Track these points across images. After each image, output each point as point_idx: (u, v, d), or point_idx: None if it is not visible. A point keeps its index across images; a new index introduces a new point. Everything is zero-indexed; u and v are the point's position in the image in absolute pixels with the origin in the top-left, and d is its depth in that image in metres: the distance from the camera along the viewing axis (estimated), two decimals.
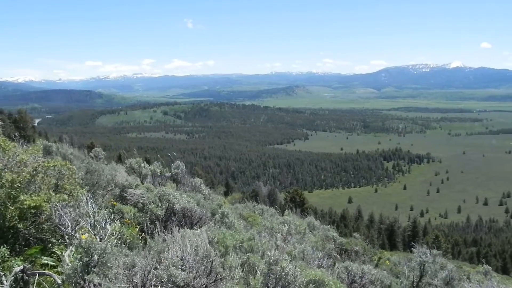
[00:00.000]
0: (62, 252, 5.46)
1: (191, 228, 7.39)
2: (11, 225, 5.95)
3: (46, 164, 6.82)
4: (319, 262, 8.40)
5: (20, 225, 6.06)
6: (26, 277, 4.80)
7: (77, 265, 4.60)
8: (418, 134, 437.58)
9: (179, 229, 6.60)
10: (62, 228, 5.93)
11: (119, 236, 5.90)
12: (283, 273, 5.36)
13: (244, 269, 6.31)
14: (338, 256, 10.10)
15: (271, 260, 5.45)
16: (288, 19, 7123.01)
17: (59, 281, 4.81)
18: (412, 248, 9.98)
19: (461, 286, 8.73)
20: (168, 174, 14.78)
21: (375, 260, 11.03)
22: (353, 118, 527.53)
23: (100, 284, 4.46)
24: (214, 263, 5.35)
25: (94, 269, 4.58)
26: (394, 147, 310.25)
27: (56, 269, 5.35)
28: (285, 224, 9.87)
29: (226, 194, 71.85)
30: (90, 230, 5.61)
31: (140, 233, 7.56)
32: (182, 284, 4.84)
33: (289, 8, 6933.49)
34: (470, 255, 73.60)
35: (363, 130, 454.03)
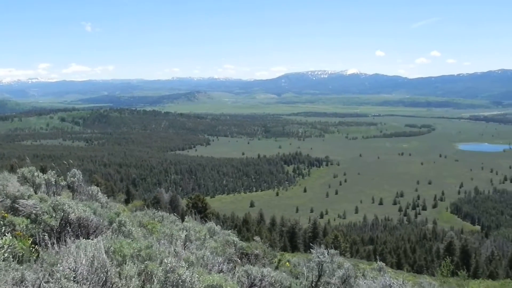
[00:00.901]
0: None
1: (87, 238, 7.10)
2: None
3: None
4: (220, 267, 8.36)
5: None
6: None
7: None
8: (317, 138, 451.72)
9: (74, 239, 6.31)
10: None
11: (9, 250, 5.52)
12: (180, 280, 5.27)
13: (142, 278, 6.14)
14: (239, 260, 10.11)
15: (168, 268, 5.34)
16: (188, 24, 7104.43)
17: None
18: (311, 249, 10.23)
19: (357, 283, 9.02)
20: (63, 183, 14.08)
21: (275, 262, 11.18)
22: (254, 123, 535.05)
23: None
24: (109, 273, 5.17)
25: None
26: (294, 151, 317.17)
27: None
28: (185, 230, 9.74)
29: (127, 201, 69.93)
30: None
31: (33, 245, 7.14)
32: None
33: (189, 13, 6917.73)
34: (368, 253, 76.24)
35: (264, 135, 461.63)
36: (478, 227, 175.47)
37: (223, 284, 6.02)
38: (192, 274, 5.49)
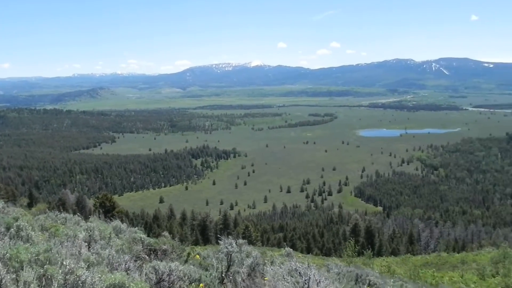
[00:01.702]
0: None
1: None
2: None
3: None
4: (126, 265, 8.20)
5: None
6: None
7: None
8: (224, 131, 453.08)
9: None
10: None
11: None
12: (79, 282, 5.12)
13: (43, 282, 5.89)
14: (147, 257, 9.99)
15: (67, 270, 5.16)
16: (89, 19, 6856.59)
17: None
18: (218, 241, 10.29)
19: (265, 270, 9.17)
20: None
21: (184, 256, 11.14)
22: (160, 118, 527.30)
23: None
24: (4, 281, 4.90)
25: None
26: (201, 144, 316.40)
27: None
28: (89, 231, 9.46)
29: (30, 205, 66.92)
30: None
31: None
32: None
33: (88, 8, 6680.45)
34: (278, 240, 77.58)
35: (170, 130, 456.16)
36: (380, 208, 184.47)
37: (126, 282, 5.91)
38: (93, 275, 5.34)
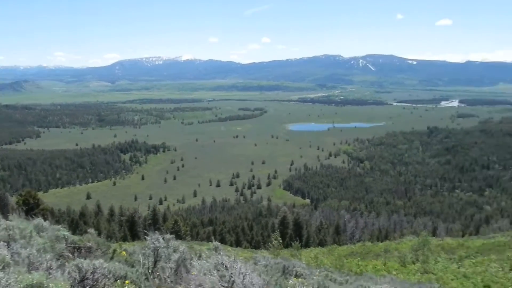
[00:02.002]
0: None
1: None
2: None
3: None
4: (48, 264, 8.04)
5: None
6: None
7: None
8: (153, 125, 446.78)
9: None
10: None
11: None
12: None
13: None
14: (70, 255, 9.80)
15: None
16: (11, 8, 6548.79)
17: None
18: (145, 236, 10.23)
19: (192, 265, 9.24)
20: None
21: (109, 253, 11.00)
22: (88, 112, 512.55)
23: None
24: None
25: None
26: (130, 139, 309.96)
27: None
28: (8, 230, 9.18)
29: None
30: None
31: None
32: None
33: None
34: (208, 234, 77.43)
35: (98, 124, 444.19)
36: (308, 201, 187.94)
37: (44, 282, 5.82)
38: (8, 276, 5.23)
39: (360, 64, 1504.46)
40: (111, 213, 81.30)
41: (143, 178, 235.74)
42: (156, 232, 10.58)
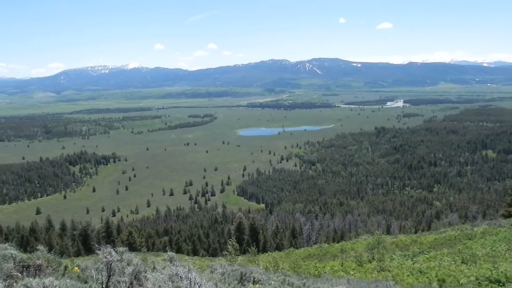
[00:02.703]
0: None
1: None
2: None
3: None
4: None
5: None
6: None
7: None
8: (102, 135, 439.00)
9: None
10: None
11: None
12: None
13: None
14: (19, 275, 9.32)
15: None
16: None
17: None
18: (97, 251, 9.83)
19: (146, 277, 8.97)
20: None
21: (61, 270, 10.54)
22: (34, 125, 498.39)
23: None
24: None
25: None
26: (79, 150, 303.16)
27: None
28: None
29: None
30: None
31: None
32: None
33: None
34: (164, 244, 76.59)
35: (45, 136, 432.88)
36: (263, 205, 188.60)
37: None
38: None
39: (307, 68, 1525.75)
40: (63, 227, 79.22)
41: (94, 190, 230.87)
42: (109, 245, 10.22)
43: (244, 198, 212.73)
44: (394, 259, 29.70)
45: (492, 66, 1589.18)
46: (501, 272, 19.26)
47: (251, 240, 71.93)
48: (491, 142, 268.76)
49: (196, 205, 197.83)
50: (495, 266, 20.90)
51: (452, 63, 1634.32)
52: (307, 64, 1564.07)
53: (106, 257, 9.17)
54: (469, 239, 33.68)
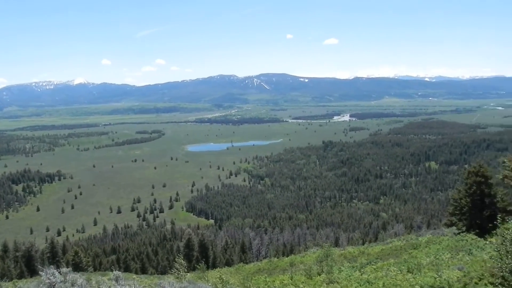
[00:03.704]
0: None
1: None
2: None
3: None
4: None
5: None
6: None
7: None
8: (47, 153, 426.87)
9: None
10: None
11: None
12: None
13: None
14: None
15: None
16: None
17: None
18: (39, 272, 9.61)
19: None
20: None
21: None
22: None
23: None
24: None
25: None
26: (22, 168, 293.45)
27: None
28: None
29: None
30: None
31: None
32: None
33: None
34: (111, 263, 75.21)
35: None
36: (212, 221, 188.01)
37: None
38: None
39: (255, 83, 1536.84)
40: (5, 249, 76.31)
41: (38, 209, 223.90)
42: (54, 266, 10.05)
43: (193, 214, 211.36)
44: (342, 270, 30.11)
45: (434, 80, 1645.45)
46: (444, 279, 19.88)
47: (200, 256, 71.40)
48: (434, 154, 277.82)
49: (144, 222, 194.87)
50: (439, 274, 21.54)
51: (396, 78, 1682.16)
52: (255, 79, 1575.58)
53: (49, 279, 9.06)
54: (414, 248, 34.60)
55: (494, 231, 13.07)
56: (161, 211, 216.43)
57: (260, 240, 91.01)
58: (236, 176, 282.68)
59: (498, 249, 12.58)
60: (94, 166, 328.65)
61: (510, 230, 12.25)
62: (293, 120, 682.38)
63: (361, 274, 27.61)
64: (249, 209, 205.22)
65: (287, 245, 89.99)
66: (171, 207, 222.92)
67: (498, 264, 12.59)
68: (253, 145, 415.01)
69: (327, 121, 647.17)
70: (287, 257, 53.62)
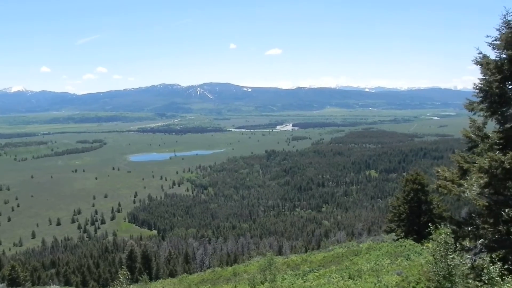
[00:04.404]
0: None
1: None
2: None
3: None
4: None
5: None
6: None
7: None
8: None
9: None
10: None
11: None
12: None
13: None
14: None
15: None
16: None
17: None
18: None
19: None
20: None
21: None
22: None
23: None
24: None
25: None
26: None
27: None
28: None
29: None
30: None
31: None
32: None
33: None
34: (51, 277, 73.24)
35: None
36: (155, 232, 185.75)
37: None
38: None
39: (198, 93, 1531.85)
40: None
41: None
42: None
43: (136, 225, 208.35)
44: (285, 279, 30.44)
45: (373, 91, 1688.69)
46: (384, 284, 20.51)
47: (143, 268, 70.45)
48: (374, 162, 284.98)
49: (85, 234, 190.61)
50: (379, 279, 22.18)
51: (337, 88, 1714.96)
52: (198, 88, 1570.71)
53: None
54: (356, 255, 35.41)
55: (430, 236, 13.69)
56: (103, 222, 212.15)
57: (203, 250, 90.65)
58: (179, 186, 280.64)
59: (433, 253, 13.19)
60: (32, 177, 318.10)
61: (442, 235, 12.88)
62: (236, 130, 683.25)
63: (304, 282, 28.03)
64: (193, 219, 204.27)
65: (230, 254, 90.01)
66: (113, 218, 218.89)
67: (433, 268, 13.19)
68: (196, 154, 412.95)
69: (270, 130, 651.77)
70: (230, 266, 53.67)
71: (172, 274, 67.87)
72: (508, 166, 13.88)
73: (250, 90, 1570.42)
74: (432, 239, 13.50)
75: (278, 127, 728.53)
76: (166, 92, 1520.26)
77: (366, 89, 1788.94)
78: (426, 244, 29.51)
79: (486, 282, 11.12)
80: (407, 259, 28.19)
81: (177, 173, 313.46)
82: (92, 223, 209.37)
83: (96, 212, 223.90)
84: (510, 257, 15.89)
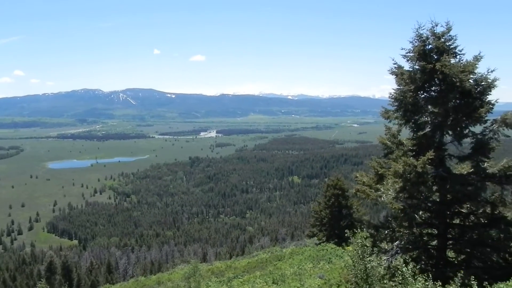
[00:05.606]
0: None
1: None
2: None
3: None
4: None
5: None
6: None
7: None
8: None
9: None
10: None
11: None
12: None
13: None
14: None
15: None
16: None
17: None
18: None
19: None
20: None
21: None
22: None
23: None
24: None
25: None
26: None
27: None
28: None
29: None
30: None
31: None
32: None
33: None
34: None
35: None
36: (76, 242, 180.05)
37: None
38: None
39: (121, 98, 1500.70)
40: None
41: None
42: None
43: (55, 235, 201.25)
44: (210, 286, 30.55)
45: (296, 99, 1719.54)
46: None
47: (63, 279, 68.10)
48: (297, 168, 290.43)
49: (0, 246, 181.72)
50: (302, 283, 22.74)
51: (261, 95, 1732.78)
52: (121, 94, 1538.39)
53: None
54: (279, 260, 36.04)
55: (350, 240, 14.23)
56: (20, 233, 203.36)
57: (127, 259, 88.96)
58: (101, 193, 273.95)
59: (352, 257, 13.74)
60: None
61: (359, 238, 13.46)
62: (159, 136, 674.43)
63: None
64: (115, 227, 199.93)
65: (154, 263, 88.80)
66: (30, 228, 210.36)
67: (352, 271, 13.72)
68: (119, 161, 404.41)
69: (194, 137, 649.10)
70: (154, 275, 53.14)
71: (94, 285, 66.25)
72: (421, 170, 14.70)
73: (174, 96, 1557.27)
74: (352, 243, 14.03)
75: (202, 133, 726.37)
76: (87, 98, 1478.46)
77: (289, 97, 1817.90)
78: (346, 248, 30.55)
79: (400, 282, 11.72)
80: (328, 263, 29.03)
81: (98, 180, 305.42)
82: (8, 234, 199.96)
83: (12, 222, 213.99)
84: (423, 257, 16.83)
